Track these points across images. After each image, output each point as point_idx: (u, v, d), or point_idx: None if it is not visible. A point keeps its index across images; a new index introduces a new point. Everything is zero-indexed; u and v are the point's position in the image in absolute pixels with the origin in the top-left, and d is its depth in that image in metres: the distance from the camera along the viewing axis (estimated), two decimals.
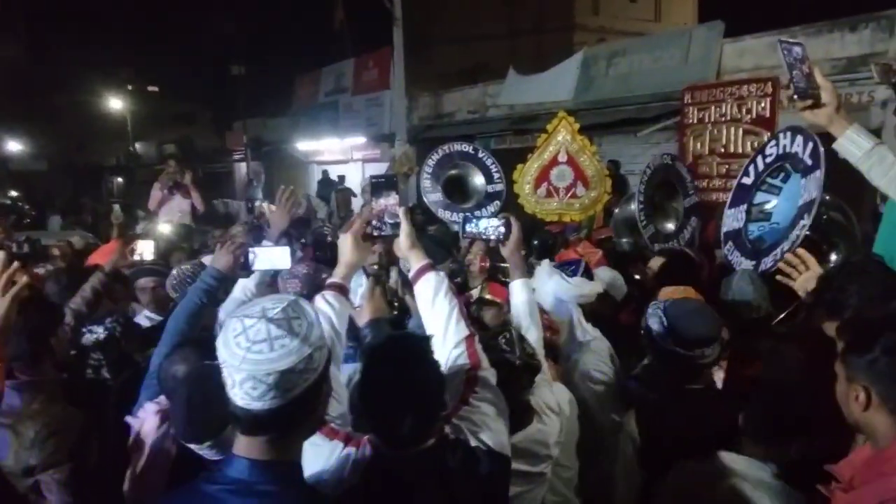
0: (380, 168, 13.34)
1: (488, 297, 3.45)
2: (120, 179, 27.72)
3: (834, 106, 1.98)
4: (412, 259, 2.00)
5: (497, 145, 12.21)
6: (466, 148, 6.08)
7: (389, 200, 2.02)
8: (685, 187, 5.06)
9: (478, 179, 5.95)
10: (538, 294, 2.92)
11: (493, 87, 13.42)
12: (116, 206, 7.04)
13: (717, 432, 2.11)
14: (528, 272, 2.66)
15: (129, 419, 2.19)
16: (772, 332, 2.91)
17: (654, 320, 2.33)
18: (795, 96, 1.99)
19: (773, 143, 3.12)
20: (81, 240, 6.15)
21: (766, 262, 3.00)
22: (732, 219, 3.29)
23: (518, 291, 2.42)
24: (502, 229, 2.40)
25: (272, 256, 2.47)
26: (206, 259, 3.24)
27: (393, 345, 1.67)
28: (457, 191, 5.98)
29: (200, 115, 26.81)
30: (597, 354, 2.93)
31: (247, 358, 1.24)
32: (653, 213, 5.05)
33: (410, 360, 1.60)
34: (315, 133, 17.32)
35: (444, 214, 5.86)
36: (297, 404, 1.29)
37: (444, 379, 1.67)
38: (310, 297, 2.13)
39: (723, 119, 6.41)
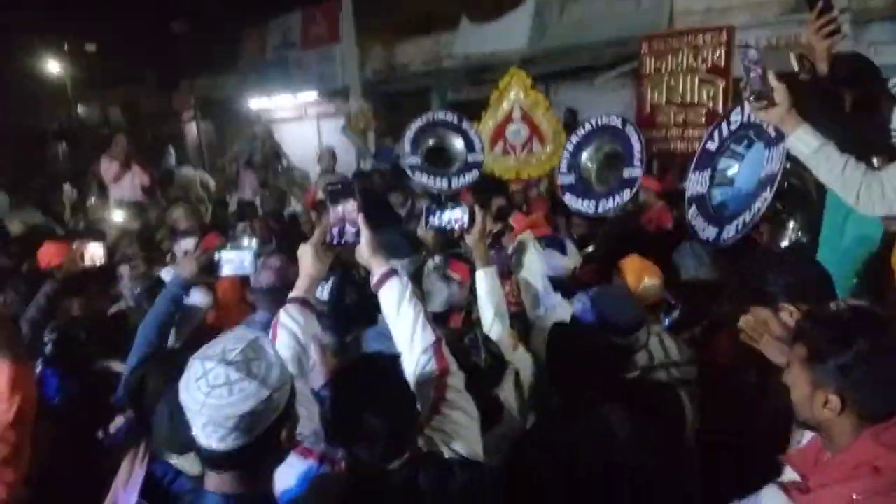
0: (335, 124, 13.04)
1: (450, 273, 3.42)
2: (64, 145, 26.52)
3: (786, 106, 2.06)
4: (374, 266, 1.98)
5: (454, 97, 12.05)
6: (451, 118, 5.99)
7: (347, 207, 1.98)
8: (631, 156, 4.64)
9: (458, 144, 5.88)
10: (526, 266, 2.90)
11: (446, 36, 13.09)
12: (67, 186, 6.81)
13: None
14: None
15: (100, 434, 2.17)
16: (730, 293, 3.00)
17: (584, 313, 2.34)
18: (752, 98, 2.08)
19: (737, 110, 3.16)
20: (20, 224, 5.90)
21: (729, 231, 3.05)
22: (696, 183, 3.31)
23: (482, 281, 2.42)
24: (466, 218, 2.39)
25: (237, 261, 2.48)
26: (164, 272, 3.19)
27: (361, 368, 1.67)
28: (436, 159, 5.91)
29: (145, 75, 25.63)
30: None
31: (207, 403, 1.27)
32: (577, 164, 4.90)
33: (379, 382, 1.61)
34: (266, 90, 16.75)
35: (421, 178, 5.78)
36: (260, 442, 1.32)
37: (414, 397, 1.68)
38: (282, 288, 2.12)
39: (679, 68, 6.41)
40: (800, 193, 3.09)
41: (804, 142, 2.03)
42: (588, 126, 4.97)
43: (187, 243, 4.09)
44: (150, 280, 3.19)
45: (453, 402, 1.78)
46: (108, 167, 7.23)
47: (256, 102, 17.57)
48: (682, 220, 3.96)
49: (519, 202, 5.97)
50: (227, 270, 2.48)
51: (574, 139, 4.98)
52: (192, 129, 20.00)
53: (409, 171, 5.79)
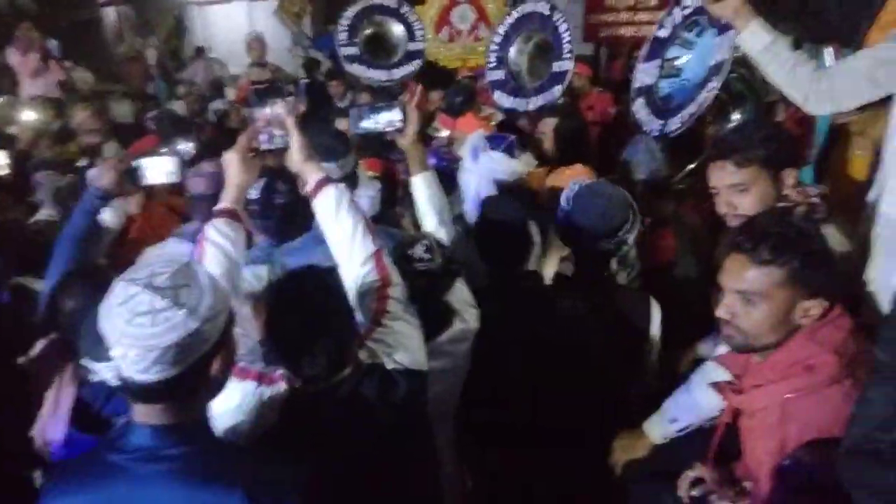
0: (268, 7, 12.18)
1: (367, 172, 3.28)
2: None
3: None
4: (307, 173, 1.86)
5: None
6: (389, 2, 5.54)
7: (276, 109, 1.84)
8: (560, 47, 4.23)
9: (398, 31, 5.51)
10: (464, 168, 2.79)
11: None
12: None
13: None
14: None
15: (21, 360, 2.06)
16: (672, 190, 3.00)
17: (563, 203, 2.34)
18: None
19: None
20: None
21: (673, 123, 2.95)
22: (645, 74, 3.17)
23: (420, 187, 2.30)
24: (399, 116, 2.25)
25: (160, 167, 2.29)
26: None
27: (296, 282, 1.60)
28: (376, 50, 5.55)
29: None
30: None
31: (126, 332, 1.16)
32: (505, 58, 4.52)
33: (315, 295, 1.54)
34: None
35: (358, 69, 5.44)
36: (188, 374, 1.22)
37: (352, 309, 1.62)
38: (216, 195, 1.98)
39: None
40: (748, 85, 3.02)
41: (757, 37, 1.97)
42: (515, 14, 4.57)
43: (108, 147, 3.83)
44: (72, 188, 2.96)
45: (395, 314, 1.73)
46: (22, 61, 6.61)
47: None
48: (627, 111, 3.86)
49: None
50: (148, 179, 2.30)
51: (500, 29, 4.62)
52: (109, 12, 18.40)
53: (344, 63, 5.45)
